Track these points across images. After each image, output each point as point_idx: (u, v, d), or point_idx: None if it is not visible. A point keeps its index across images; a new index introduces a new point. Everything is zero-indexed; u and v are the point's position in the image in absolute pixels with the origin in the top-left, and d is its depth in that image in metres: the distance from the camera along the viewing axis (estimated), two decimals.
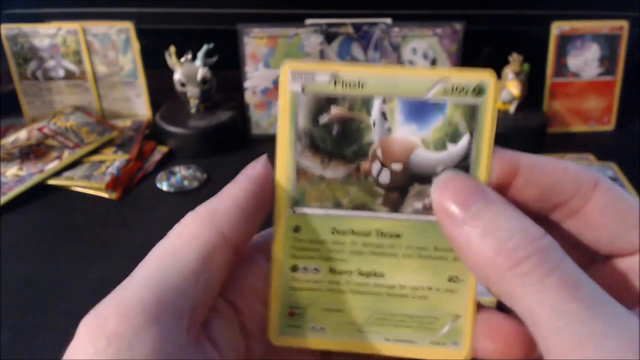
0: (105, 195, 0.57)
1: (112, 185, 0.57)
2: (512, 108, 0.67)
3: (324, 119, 0.20)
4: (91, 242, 0.50)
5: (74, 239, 0.51)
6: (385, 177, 0.20)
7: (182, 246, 0.18)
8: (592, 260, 0.21)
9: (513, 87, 0.65)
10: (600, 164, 0.62)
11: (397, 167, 0.20)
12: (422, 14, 0.71)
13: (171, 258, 0.18)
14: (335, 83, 0.20)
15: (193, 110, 0.67)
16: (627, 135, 0.71)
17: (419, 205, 0.20)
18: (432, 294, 0.21)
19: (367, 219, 0.20)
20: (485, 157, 0.20)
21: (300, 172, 0.20)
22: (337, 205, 0.20)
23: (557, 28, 0.68)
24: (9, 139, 0.65)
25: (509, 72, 0.66)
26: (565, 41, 0.68)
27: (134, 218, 0.53)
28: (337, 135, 0.20)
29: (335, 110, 0.20)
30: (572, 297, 0.16)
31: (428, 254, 0.20)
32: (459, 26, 0.68)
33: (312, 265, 0.21)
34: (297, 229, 0.21)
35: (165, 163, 0.63)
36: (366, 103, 0.20)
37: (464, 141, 0.20)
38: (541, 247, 0.16)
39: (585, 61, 0.69)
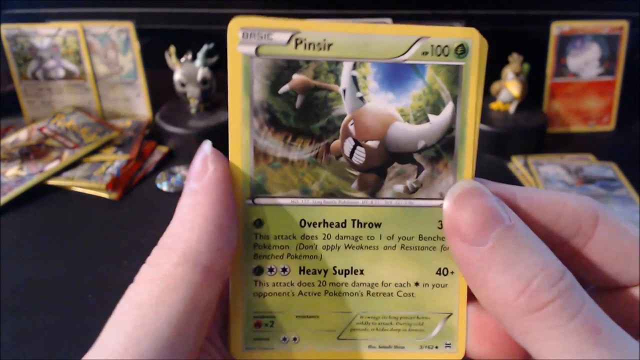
0: (105, 195, 0.57)
1: (112, 185, 0.57)
2: (512, 108, 0.67)
3: (284, 88, 0.17)
4: (91, 242, 0.50)
5: (74, 239, 0.51)
6: (360, 157, 0.17)
7: (163, 295, 0.15)
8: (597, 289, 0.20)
9: (513, 87, 0.65)
10: (600, 164, 0.62)
11: (373, 144, 0.17)
12: (422, 14, 0.71)
13: (152, 312, 0.15)
14: (296, 44, 0.16)
15: (193, 111, 0.67)
16: (627, 135, 0.71)
17: (399, 187, 0.18)
18: (420, 291, 0.18)
19: (341, 207, 0.17)
20: (472, 129, 0.17)
21: (259, 154, 0.17)
22: (305, 192, 0.17)
23: (557, 28, 0.68)
24: (9, 139, 0.65)
25: (509, 72, 0.66)
26: (565, 41, 0.68)
27: (134, 218, 0.53)
28: (301, 108, 0.17)
29: (297, 78, 0.17)
30: (594, 342, 0.15)
31: (413, 244, 0.18)
32: (459, 26, 0.68)
33: (279, 265, 0.18)
34: (258, 224, 0.17)
35: (165, 163, 0.63)
36: (334, 68, 0.17)
37: (447, 110, 0.17)
38: (564, 288, 0.15)
39: (585, 61, 0.69)
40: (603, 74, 0.70)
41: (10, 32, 0.69)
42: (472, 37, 0.17)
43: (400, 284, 0.18)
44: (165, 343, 0.15)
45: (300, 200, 0.17)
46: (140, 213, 0.54)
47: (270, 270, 0.18)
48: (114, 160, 0.61)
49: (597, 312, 0.15)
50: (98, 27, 0.69)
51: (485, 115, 0.67)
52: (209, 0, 0.74)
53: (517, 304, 0.15)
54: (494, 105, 0.68)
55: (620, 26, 0.68)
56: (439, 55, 0.17)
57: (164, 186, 0.59)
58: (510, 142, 0.65)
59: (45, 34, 0.70)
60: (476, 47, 0.17)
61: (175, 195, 0.57)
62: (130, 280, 0.16)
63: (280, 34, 0.16)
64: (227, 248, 0.16)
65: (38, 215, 0.54)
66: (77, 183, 0.58)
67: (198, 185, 0.16)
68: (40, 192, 0.57)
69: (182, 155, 0.65)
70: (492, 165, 0.63)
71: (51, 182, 0.58)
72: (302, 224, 0.17)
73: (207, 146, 0.17)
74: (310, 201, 0.17)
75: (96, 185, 0.57)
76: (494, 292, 0.16)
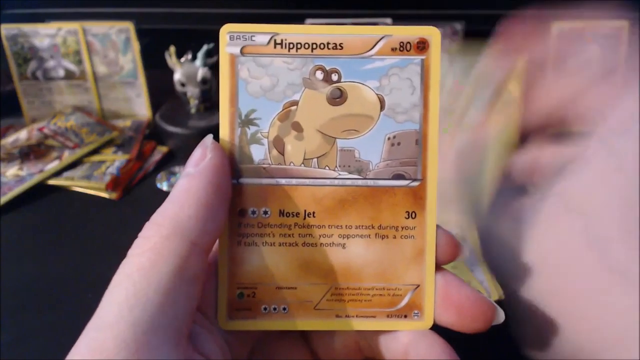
0: (105, 195, 0.57)
1: (112, 185, 0.57)
2: None
3: None
4: (91, 242, 0.50)
5: (74, 239, 0.51)
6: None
7: (152, 266, 0.16)
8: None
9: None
10: None
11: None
12: (422, 14, 0.71)
13: (143, 281, 0.16)
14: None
15: (193, 110, 0.67)
16: None
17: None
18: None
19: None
20: (434, 113, 0.19)
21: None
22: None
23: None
24: (9, 139, 0.65)
25: None
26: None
27: (134, 218, 0.53)
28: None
29: None
30: None
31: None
32: (459, 26, 0.68)
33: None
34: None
35: (165, 163, 0.63)
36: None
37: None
38: None
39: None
40: None
41: (10, 32, 0.69)
42: (431, 33, 0.19)
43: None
44: (156, 309, 0.16)
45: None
46: (140, 213, 0.54)
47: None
48: (114, 160, 0.61)
49: None
50: (98, 27, 0.69)
51: None
52: (209, 0, 0.74)
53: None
54: None
55: (620, 26, 0.68)
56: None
57: (164, 186, 0.59)
58: None
59: (45, 34, 0.70)
60: (435, 42, 0.19)
61: None
62: None
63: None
64: (214, 227, 0.18)
65: (38, 215, 0.54)
66: (77, 183, 0.58)
67: (194, 170, 0.18)
68: (40, 192, 0.57)
69: (182, 155, 0.65)
70: None
71: (51, 182, 0.58)
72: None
73: (208, 138, 0.19)
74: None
75: (96, 185, 0.57)
76: None
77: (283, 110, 0.19)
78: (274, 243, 0.20)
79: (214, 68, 0.66)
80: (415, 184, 0.19)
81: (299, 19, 0.67)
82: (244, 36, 0.19)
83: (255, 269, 0.20)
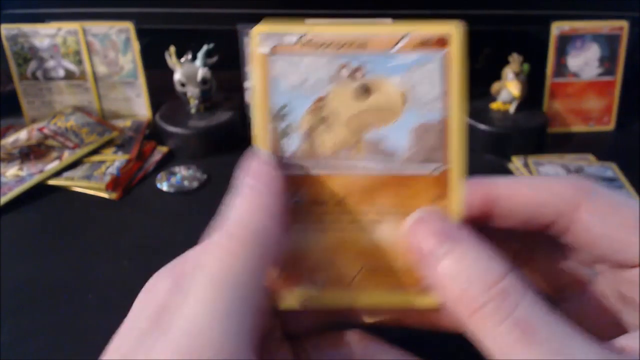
0: (105, 195, 0.57)
1: (112, 185, 0.57)
2: (512, 108, 0.67)
3: None
4: (91, 242, 0.50)
5: (74, 239, 0.51)
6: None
7: (231, 272, 0.17)
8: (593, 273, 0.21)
9: (513, 87, 0.65)
10: (600, 164, 0.62)
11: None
12: (422, 14, 0.71)
13: (225, 293, 0.16)
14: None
15: (193, 111, 0.67)
16: (627, 135, 0.71)
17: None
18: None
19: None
20: (457, 111, 0.20)
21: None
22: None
23: (557, 28, 0.68)
24: (9, 139, 0.65)
25: (509, 72, 0.66)
26: (565, 41, 0.68)
27: (134, 218, 0.53)
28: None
29: None
30: (528, 342, 0.15)
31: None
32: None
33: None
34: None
35: (165, 163, 0.63)
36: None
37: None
38: (498, 291, 0.16)
39: (585, 61, 0.69)
40: (603, 74, 0.70)
41: (10, 32, 0.69)
42: (451, 29, 0.20)
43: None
44: (238, 312, 0.16)
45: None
46: (140, 213, 0.54)
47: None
48: (114, 160, 0.61)
49: (535, 311, 0.16)
50: (98, 27, 0.69)
51: (486, 115, 0.67)
52: (209, 0, 0.74)
53: (459, 308, 0.17)
54: (494, 105, 0.68)
55: (620, 26, 0.68)
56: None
57: (164, 186, 0.59)
58: (510, 142, 0.65)
59: (45, 34, 0.70)
60: (456, 38, 0.20)
61: (175, 195, 0.57)
62: (130, 280, 0.16)
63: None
64: (284, 238, 0.19)
65: (38, 215, 0.54)
66: (77, 183, 0.58)
67: (259, 183, 0.19)
68: (40, 192, 0.57)
69: (182, 155, 0.65)
70: (492, 165, 0.63)
71: (51, 182, 0.58)
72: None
73: (261, 152, 0.20)
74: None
75: (96, 185, 0.57)
76: (445, 296, 0.18)
77: (312, 105, 0.21)
78: (307, 229, 0.21)
79: (214, 68, 0.66)
80: (440, 170, 0.20)
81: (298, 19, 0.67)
82: (274, 37, 0.20)
83: (289, 254, 0.21)
